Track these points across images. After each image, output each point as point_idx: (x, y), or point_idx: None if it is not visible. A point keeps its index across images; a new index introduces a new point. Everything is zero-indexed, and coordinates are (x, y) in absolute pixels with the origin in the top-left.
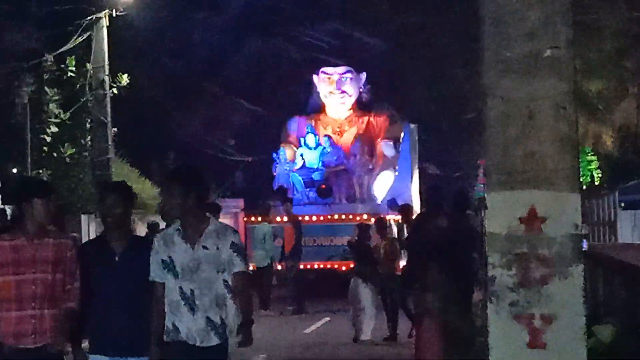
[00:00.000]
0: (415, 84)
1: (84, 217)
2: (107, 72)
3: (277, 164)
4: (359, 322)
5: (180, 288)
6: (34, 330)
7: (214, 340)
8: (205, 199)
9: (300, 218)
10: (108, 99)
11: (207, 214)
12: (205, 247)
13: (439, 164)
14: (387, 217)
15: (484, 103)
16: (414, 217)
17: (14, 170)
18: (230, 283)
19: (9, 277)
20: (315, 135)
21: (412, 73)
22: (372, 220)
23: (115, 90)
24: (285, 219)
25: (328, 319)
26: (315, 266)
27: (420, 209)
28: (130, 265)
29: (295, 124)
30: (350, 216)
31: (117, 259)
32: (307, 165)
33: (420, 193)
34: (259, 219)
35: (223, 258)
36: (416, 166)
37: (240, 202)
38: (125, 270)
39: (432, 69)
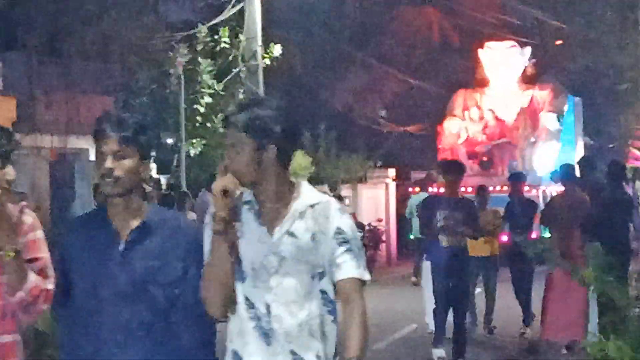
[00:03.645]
0: (572, 54)
1: None
2: (259, 43)
3: (442, 136)
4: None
5: (247, 300)
6: None
7: None
8: (292, 153)
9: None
10: (260, 70)
11: (295, 179)
12: (291, 234)
13: (593, 134)
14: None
15: None
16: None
17: (169, 141)
18: (330, 295)
19: None
20: (479, 109)
21: (570, 44)
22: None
23: (267, 61)
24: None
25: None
26: None
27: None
28: (146, 260)
29: (461, 98)
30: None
31: (121, 248)
32: (471, 137)
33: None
34: (417, 189)
35: (323, 253)
36: (580, 139)
37: (392, 172)
38: (136, 267)
39: (587, 40)
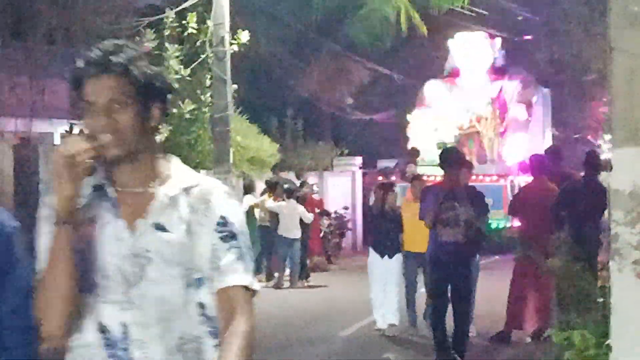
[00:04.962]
0: (541, 46)
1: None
2: (227, 29)
3: (411, 125)
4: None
5: (97, 320)
6: None
7: None
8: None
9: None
10: (228, 56)
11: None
12: (160, 227)
13: (559, 125)
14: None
15: (610, 58)
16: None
17: None
18: (210, 310)
19: None
20: (449, 99)
21: (539, 36)
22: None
23: (235, 47)
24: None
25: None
26: None
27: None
28: None
29: (431, 87)
30: (480, 177)
31: None
32: (440, 127)
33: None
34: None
35: (201, 252)
36: (549, 130)
37: (358, 160)
38: None
39: (556, 31)
